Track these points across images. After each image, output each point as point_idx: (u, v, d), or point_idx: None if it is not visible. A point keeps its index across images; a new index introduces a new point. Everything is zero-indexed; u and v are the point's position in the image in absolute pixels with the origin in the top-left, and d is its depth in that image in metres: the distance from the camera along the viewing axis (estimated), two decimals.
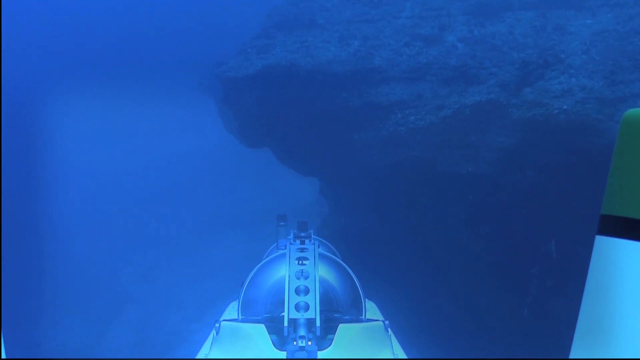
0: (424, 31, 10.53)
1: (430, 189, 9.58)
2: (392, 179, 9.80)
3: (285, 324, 3.19)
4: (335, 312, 3.81)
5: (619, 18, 9.78)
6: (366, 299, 3.97)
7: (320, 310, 3.27)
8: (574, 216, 8.74)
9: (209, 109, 17.17)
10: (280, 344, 3.22)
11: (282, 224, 4.95)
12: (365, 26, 11.07)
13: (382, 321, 3.56)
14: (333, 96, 10.04)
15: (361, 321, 3.68)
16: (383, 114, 9.75)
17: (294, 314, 3.22)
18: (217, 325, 3.48)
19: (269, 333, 3.29)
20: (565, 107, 8.64)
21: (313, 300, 3.30)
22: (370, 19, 11.20)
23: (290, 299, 3.29)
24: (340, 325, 3.34)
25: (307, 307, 3.26)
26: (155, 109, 18.83)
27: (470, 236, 9.48)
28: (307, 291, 3.35)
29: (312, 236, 4.15)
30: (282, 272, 3.70)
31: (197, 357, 3.43)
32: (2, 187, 14.53)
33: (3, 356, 2.40)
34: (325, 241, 5.18)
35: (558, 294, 8.98)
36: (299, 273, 3.50)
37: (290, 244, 3.88)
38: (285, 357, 3.06)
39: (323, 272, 3.94)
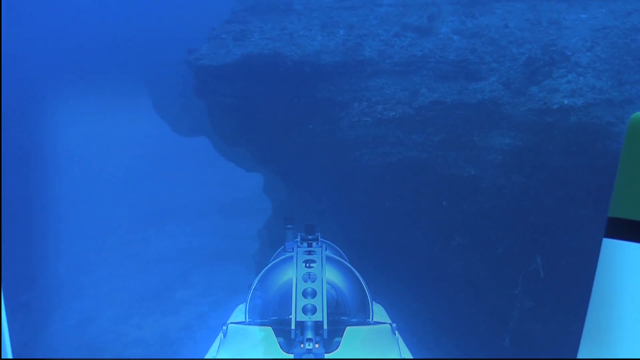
0: (412, 21, 9.40)
1: (428, 192, 8.60)
2: (386, 181, 8.76)
3: (293, 326, 3.07)
4: (343, 314, 3.64)
5: (616, 13, 9.00)
6: (373, 302, 3.75)
7: (327, 313, 3.15)
8: (579, 221, 8.01)
9: (143, 97, 15.83)
10: (287, 346, 3.10)
11: (289, 226, 4.67)
12: (347, 13, 9.85)
13: (390, 324, 3.37)
14: (320, 89, 8.84)
15: (368, 324, 3.50)
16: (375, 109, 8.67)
17: (302, 317, 3.11)
18: (224, 327, 3.29)
19: (276, 336, 3.17)
20: (576, 109, 7.82)
21: (320, 303, 3.18)
22: (352, 5, 9.97)
23: (298, 302, 3.18)
24: (348, 328, 3.22)
25: (314, 310, 3.15)
26: (94, 100, 17.17)
27: (470, 239, 8.59)
28: (314, 294, 3.24)
29: (320, 239, 3.94)
30: (290, 275, 3.59)
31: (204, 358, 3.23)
32: None
33: (4, 356, 2.23)
34: (332, 244, 4.84)
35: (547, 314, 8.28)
36: (306, 276, 3.37)
37: (298, 246, 3.72)
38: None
39: (330, 275, 3.80)
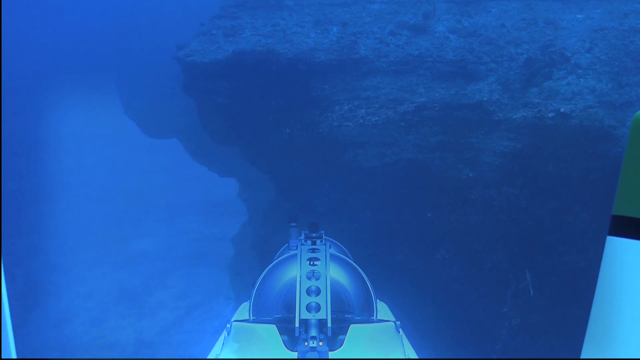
0: (407, 19, 9.09)
1: (413, 202, 8.28)
2: (372, 186, 8.43)
3: (297, 324, 3.03)
4: (347, 312, 3.59)
5: (613, 14, 8.79)
6: (377, 300, 3.69)
7: (331, 311, 3.09)
8: (574, 233, 7.78)
9: (119, 94, 15.38)
10: (291, 344, 3.04)
11: (293, 224, 4.61)
12: (339, 10, 9.49)
13: (394, 322, 3.32)
14: (315, 88, 8.48)
15: (372, 322, 3.44)
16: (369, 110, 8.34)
17: (306, 315, 3.06)
18: (228, 325, 3.26)
19: (280, 333, 3.12)
20: (577, 111, 7.59)
21: (324, 300, 3.13)
22: (344, 2, 9.62)
23: (302, 300, 3.14)
24: (351, 326, 3.18)
25: (318, 308, 3.10)
26: (71, 97, 16.61)
27: (456, 252, 8.30)
28: (318, 292, 3.19)
29: (324, 237, 3.95)
30: (294, 273, 3.53)
31: (208, 357, 3.13)
32: None
33: (6, 355, 2.15)
34: (336, 242, 4.77)
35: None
36: (310, 274, 3.33)
37: (302, 244, 3.69)
38: (296, 358, 2.89)
39: (334, 273, 3.68)
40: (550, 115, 7.58)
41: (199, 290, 14.74)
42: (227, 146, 9.22)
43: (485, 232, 7.99)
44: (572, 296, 7.40)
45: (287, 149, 8.77)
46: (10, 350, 2.21)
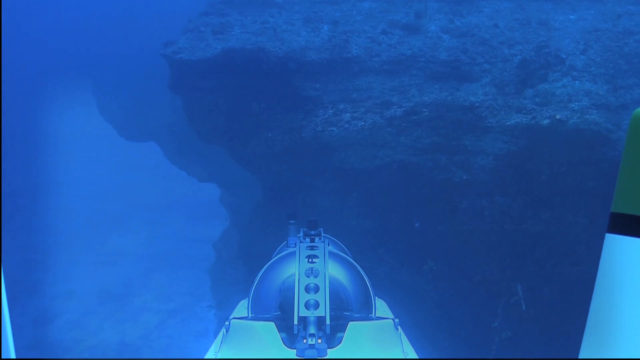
0: (399, 17, 8.87)
1: (400, 210, 8.08)
2: (360, 191, 8.22)
3: (295, 322, 2.98)
4: (345, 310, 3.50)
5: (606, 15, 8.66)
6: (376, 297, 3.61)
7: (330, 308, 3.04)
8: (570, 242, 7.63)
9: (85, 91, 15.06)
10: (290, 341, 2.96)
11: (292, 222, 4.60)
12: (329, 8, 9.26)
13: (392, 319, 3.21)
14: (306, 88, 8.23)
15: (371, 319, 3.35)
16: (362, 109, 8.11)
17: (304, 312, 3.01)
18: (226, 323, 3.16)
19: (279, 331, 3.04)
20: (573, 114, 7.42)
21: (323, 298, 3.07)
22: (334, 0, 9.41)
23: (300, 297, 3.08)
24: (350, 324, 3.09)
25: (317, 305, 3.04)
26: (55, 93, 16.24)
27: (445, 264, 8.11)
28: (317, 289, 3.13)
29: (322, 234, 3.84)
30: (292, 270, 3.43)
31: (207, 356, 3.07)
32: None
33: (5, 355, 2.09)
34: (335, 239, 4.71)
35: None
36: (309, 271, 3.26)
37: (300, 241, 3.61)
38: (295, 355, 2.83)
39: (333, 270, 3.61)
40: (545, 122, 7.38)
41: (183, 293, 14.50)
42: (214, 145, 8.93)
43: (475, 243, 7.82)
44: (566, 309, 7.26)
45: (273, 150, 8.53)
46: (10, 350, 2.15)
